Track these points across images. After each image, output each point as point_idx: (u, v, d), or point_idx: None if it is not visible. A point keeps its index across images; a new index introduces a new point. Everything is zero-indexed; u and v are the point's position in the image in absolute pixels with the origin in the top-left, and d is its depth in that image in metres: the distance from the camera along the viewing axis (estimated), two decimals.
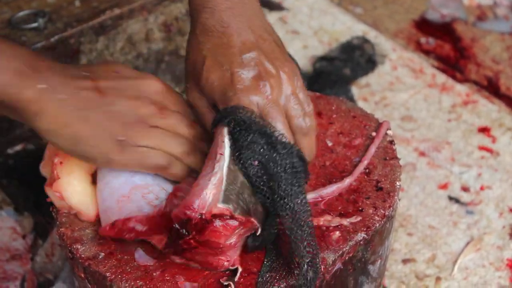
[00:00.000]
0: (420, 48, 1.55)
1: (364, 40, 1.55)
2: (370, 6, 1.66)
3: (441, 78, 1.47)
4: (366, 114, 1.01)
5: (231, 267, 0.82)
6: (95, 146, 0.82)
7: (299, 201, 0.80)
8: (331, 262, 0.84)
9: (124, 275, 0.82)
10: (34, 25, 1.20)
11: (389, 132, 0.98)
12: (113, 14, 1.26)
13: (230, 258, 0.82)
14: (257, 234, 0.82)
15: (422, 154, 1.32)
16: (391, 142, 0.97)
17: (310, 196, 0.89)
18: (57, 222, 0.89)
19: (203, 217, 0.77)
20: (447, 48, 1.55)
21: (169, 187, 0.87)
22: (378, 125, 0.99)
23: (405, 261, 1.16)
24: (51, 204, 0.90)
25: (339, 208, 0.89)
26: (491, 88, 1.46)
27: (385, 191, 0.91)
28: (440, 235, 1.20)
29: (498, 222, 1.21)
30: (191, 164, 0.86)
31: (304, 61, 1.51)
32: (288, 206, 0.80)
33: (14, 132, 1.27)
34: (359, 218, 0.88)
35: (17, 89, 0.79)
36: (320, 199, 0.90)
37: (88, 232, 0.87)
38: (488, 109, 1.41)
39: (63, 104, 0.81)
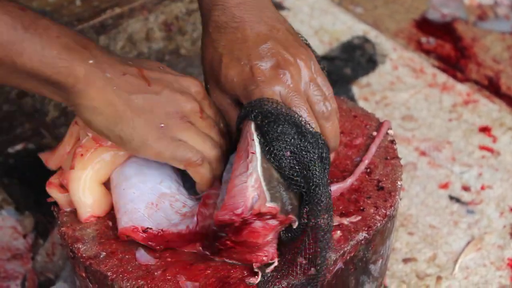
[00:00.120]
0: (420, 48, 1.55)
1: (365, 40, 1.55)
2: (371, 6, 1.66)
3: (442, 77, 1.47)
4: (367, 114, 1.01)
5: (270, 261, 0.82)
6: (135, 128, 0.82)
7: (330, 190, 0.81)
8: (332, 262, 0.84)
9: (126, 274, 0.82)
10: None
11: (390, 131, 0.98)
12: (113, 13, 1.26)
13: (268, 253, 0.81)
14: (294, 227, 0.81)
15: (423, 153, 1.32)
16: (392, 141, 0.97)
17: None
18: (58, 221, 0.89)
19: (247, 217, 0.77)
20: (447, 47, 1.55)
21: (192, 199, 0.87)
22: (379, 125, 0.99)
23: (406, 261, 1.16)
24: (52, 203, 0.90)
25: (341, 207, 0.89)
26: (492, 88, 1.46)
27: (386, 191, 0.91)
28: (441, 235, 1.20)
29: (498, 221, 1.21)
30: (216, 171, 0.86)
31: None
32: (323, 194, 0.80)
33: (15, 131, 1.27)
34: (360, 218, 0.88)
35: (68, 63, 0.79)
36: None
37: (89, 232, 0.87)
38: (489, 109, 1.41)
39: (111, 82, 0.81)
